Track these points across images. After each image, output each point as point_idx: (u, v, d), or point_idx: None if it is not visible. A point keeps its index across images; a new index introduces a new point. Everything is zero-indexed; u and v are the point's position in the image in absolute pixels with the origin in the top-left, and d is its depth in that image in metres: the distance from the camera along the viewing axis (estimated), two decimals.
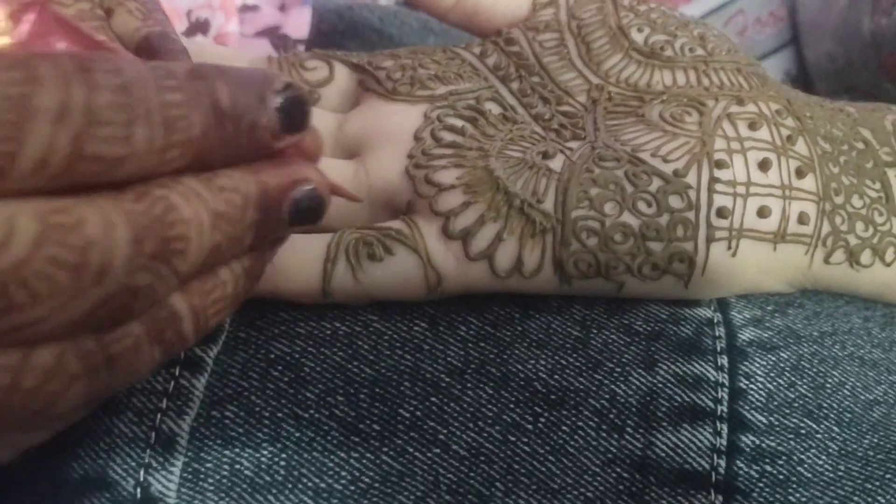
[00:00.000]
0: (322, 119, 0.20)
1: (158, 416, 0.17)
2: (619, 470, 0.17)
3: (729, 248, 0.18)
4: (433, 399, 0.17)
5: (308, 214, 0.14)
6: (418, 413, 0.17)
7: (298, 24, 0.33)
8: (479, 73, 0.21)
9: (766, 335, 0.19)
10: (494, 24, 0.22)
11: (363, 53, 0.21)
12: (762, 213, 0.18)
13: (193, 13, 0.30)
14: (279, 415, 0.17)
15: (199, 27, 0.30)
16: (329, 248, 0.18)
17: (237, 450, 0.17)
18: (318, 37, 0.33)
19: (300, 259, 0.18)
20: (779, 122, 0.19)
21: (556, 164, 0.18)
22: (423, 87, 0.20)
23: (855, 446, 0.17)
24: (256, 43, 0.33)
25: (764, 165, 0.18)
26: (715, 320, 0.19)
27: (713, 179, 0.18)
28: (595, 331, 0.18)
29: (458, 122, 0.19)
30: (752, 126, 0.18)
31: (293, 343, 0.18)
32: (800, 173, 0.18)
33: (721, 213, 0.17)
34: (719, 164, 0.18)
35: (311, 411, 0.17)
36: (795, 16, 0.50)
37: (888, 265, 0.19)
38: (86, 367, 0.11)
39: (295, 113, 0.13)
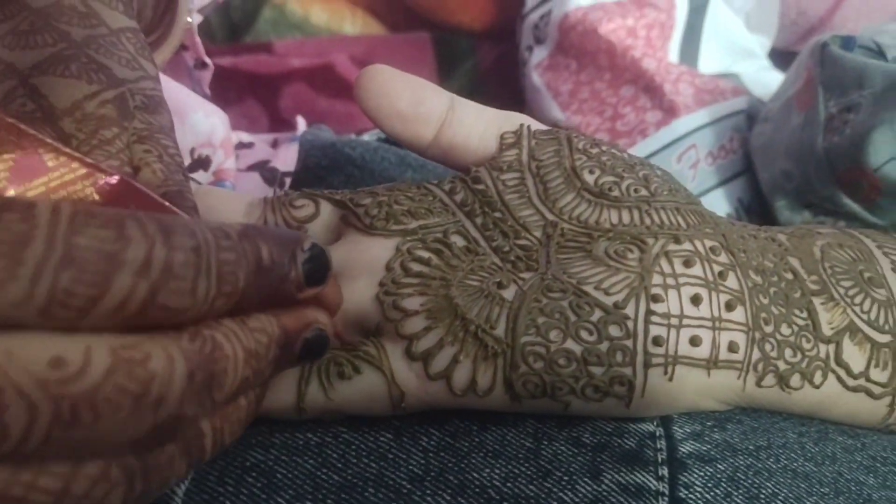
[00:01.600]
0: None
1: None
2: None
3: (665, 373, 0.19)
4: None
5: (315, 352, 0.17)
6: None
7: (286, 158, 0.37)
8: (448, 209, 0.23)
9: (704, 448, 0.20)
10: (466, 160, 0.24)
11: (346, 191, 0.24)
12: (694, 342, 0.19)
13: (196, 150, 0.33)
14: None
15: (200, 163, 0.33)
16: (303, 369, 0.20)
17: None
18: (304, 170, 0.36)
19: (277, 379, 0.19)
20: (712, 259, 0.21)
21: (509, 293, 0.20)
22: (397, 223, 0.22)
23: None
24: (248, 175, 0.36)
25: (696, 300, 0.20)
26: (657, 434, 0.20)
27: (649, 312, 0.19)
28: (546, 442, 0.20)
29: (426, 255, 0.21)
30: (687, 263, 0.20)
31: (268, 452, 0.19)
32: (729, 306, 0.20)
33: (656, 341, 0.19)
34: (655, 298, 0.20)
35: None
36: (749, 143, 0.55)
37: (817, 387, 0.21)
38: (126, 476, 0.13)
39: (317, 269, 0.16)
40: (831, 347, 0.21)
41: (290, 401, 0.19)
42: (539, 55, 0.63)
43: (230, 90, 0.69)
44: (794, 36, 0.72)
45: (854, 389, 0.21)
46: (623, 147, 0.28)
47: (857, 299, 0.21)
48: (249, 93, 0.69)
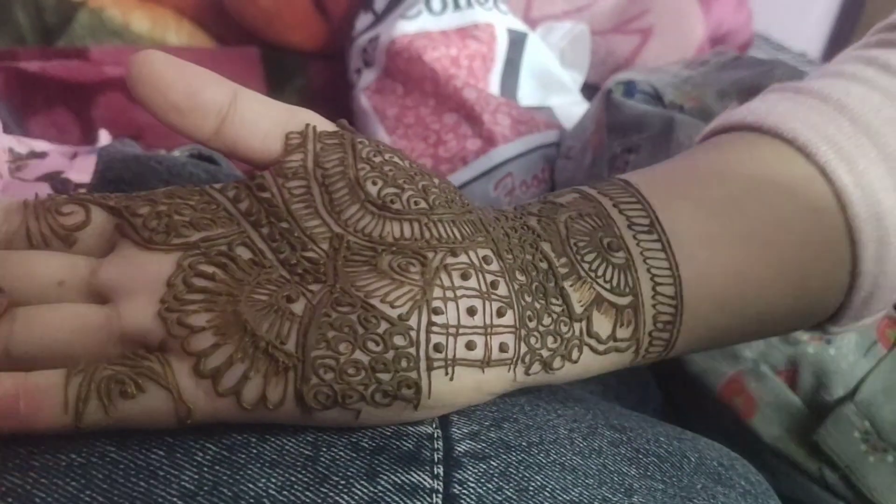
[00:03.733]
0: (76, 265, 0.21)
1: None
2: None
3: (447, 374, 0.21)
4: None
5: None
6: None
7: (82, 170, 0.34)
8: (233, 218, 0.22)
9: (479, 446, 0.22)
10: (251, 159, 0.23)
11: (121, 195, 0.22)
12: (469, 346, 0.21)
13: None
14: None
15: None
16: (80, 387, 0.19)
17: None
18: (102, 184, 0.34)
19: (53, 398, 0.18)
20: (485, 269, 0.22)
21: (299, 307, 0.20)
22: (178, 235, 0.21)
23: None
24: (36, 186, 0.34)
25: (471, 311, 0.21)
26: (435, 435, 0.21)
27: (430, 323, 0.21)
28: (325, 449, 0.20)
29: (209, 269, 0.21)
30: (464, 276, 0.22)
31: (26, 475, 0.18)
32: (500, 313, 0.22)
33: (437, 348, 0.21)
34: (436, 311, 0.21)
35: None
36: (554, 177, 0.59)
37: (575, 362, 0.23)
38: None
39: None
40: (583, 324, 0.23)
41: (66, 420, 0.18)
42: (367, 78, 0.65)
43: (37, 97, 0.64)
44: (604, 72, 0.80)
45: (605, 353, 0.24)
46: (443, 173, 0.29)
47: (600, 271, 0.24)
48: (59, 101, 0.64)
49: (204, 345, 0.19)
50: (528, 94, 0.66)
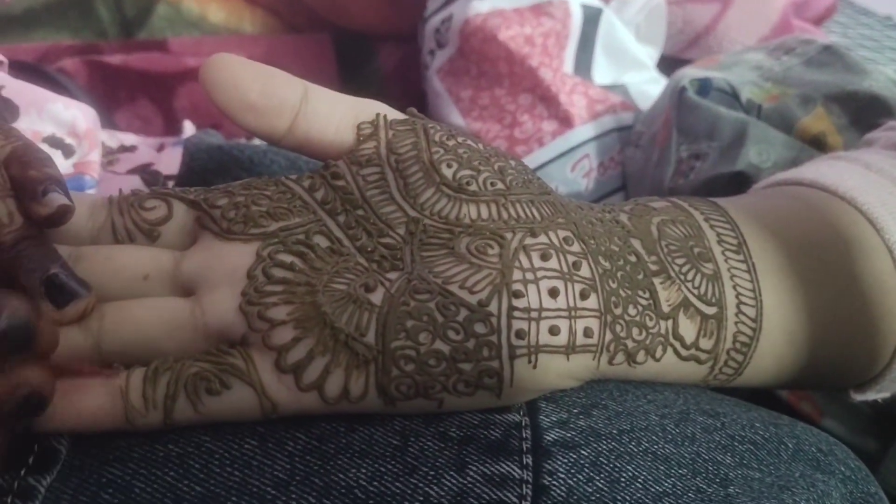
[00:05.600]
0: (160, 258, 0.22)
1: None
2: None
3: (529, 361, 0.20)
4: None
5: (30, 412, 0.17)
6: None
7: (170, 161, 0.36)
8: (309, 207, 0.22)
9: (569, 435, 0.21)
10: (324, 152, 0.23)
11: (200, 189, 0.23)
12: (553, 331, 0.20)
13: (56, 135, 0.32)
14: None
15: (60, 147, 0.32)
16: (169, 385, 0.19)
17: None
18: (189, 174, 0.35)
19: (136, 395, 0.19)
20: (566, 250, 0.22)
21: (377, 297, 0.20)
22: (256, 225, 0.21)
23: None
24: (128, 179, 0.35)
25: (553, 293, 0.21)
26: (523, 423, 0.21)
27: (511, 308, 0.20)
28: (413, 439, 0.20)
29: (288, 259, 0.21)
30: (544, 257, 0.21)
31: (125, 466, 0.19)
32: (583, 295, 0.21)
33: (519, 334, 0.20)
34: (516, 294, 0.20)
35: None
36: (624, 166, 0.57)
37: (658, 360, 0.23)
38: None
39: (12, 340, 0.16)
40: (669, 323, 0.23)
41: (157, 417, 0.19)
42: (440, 59, 0.64)
43: (121, 89, 0.66)
44: (681, 44, 0.76)
45: (686, 359, 0.23)
46: (519, 155, 0.29)
47: (690, 276, 0.23)
48: (142, 92, 0.66)
49: (285, 339, 0.19)
50: (602, 72, 0.64)
